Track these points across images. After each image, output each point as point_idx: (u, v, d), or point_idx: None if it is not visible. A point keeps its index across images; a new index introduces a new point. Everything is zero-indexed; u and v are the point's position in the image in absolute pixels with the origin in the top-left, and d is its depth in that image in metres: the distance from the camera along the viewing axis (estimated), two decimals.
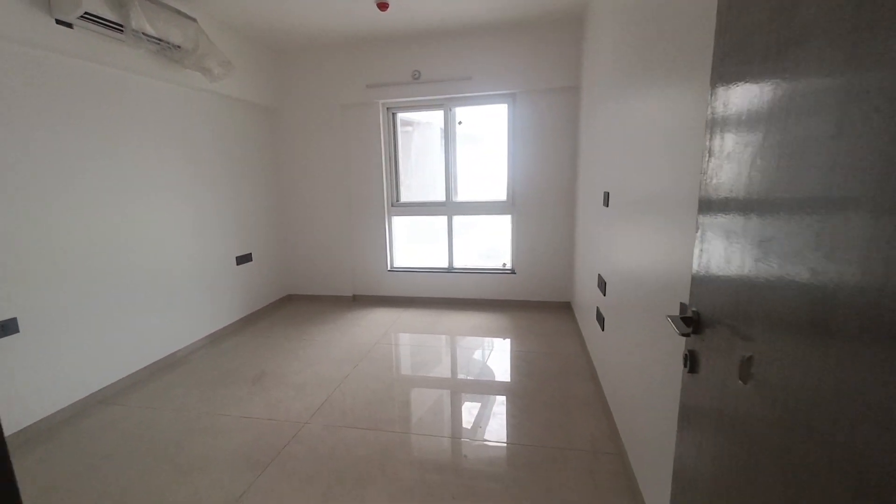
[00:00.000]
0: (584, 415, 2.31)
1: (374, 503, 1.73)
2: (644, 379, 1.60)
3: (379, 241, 4.38)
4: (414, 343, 3.46)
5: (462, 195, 4.28)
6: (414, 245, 4.68)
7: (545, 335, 3.45)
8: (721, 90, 0.84)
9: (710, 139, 0.87)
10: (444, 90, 3.92)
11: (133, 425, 2.35)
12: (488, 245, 4.48)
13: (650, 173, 1.60)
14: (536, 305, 4.12)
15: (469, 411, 2.43)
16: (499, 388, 2.68)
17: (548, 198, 3.97)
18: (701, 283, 0.89)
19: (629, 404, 1.86)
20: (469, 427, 2.27)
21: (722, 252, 0.79)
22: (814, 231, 0.54)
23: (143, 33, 2.50)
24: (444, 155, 4.20)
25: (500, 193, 4.19)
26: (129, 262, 2.79)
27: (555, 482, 1.82)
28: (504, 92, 3.89)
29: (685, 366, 0.92)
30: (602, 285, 2.48)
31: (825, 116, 0.53)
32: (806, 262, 0.55)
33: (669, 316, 0.90)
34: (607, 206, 2.39)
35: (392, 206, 4.40)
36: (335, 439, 2.17)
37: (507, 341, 3.39)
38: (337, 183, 4.34)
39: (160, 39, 2.63)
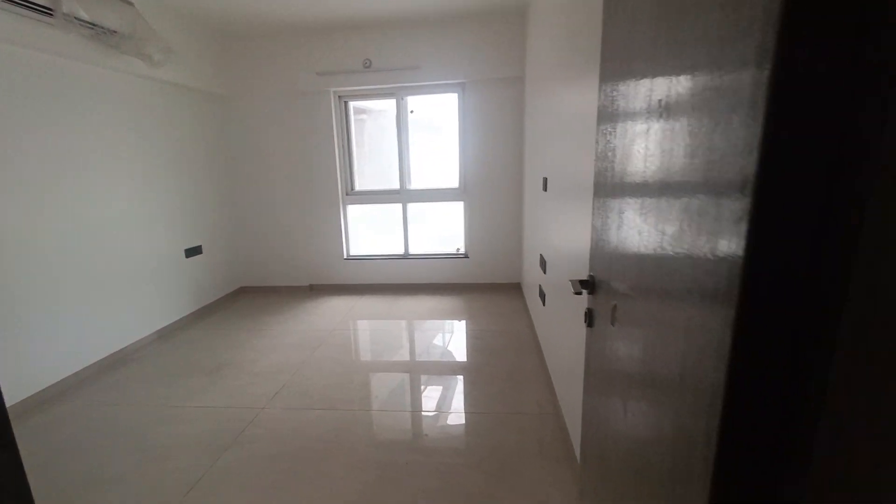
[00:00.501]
0: (531, 384, 2.52)
1: (333, 476, 1.85)
2: (570, 344, 1.81)
3: (334, 230, 4.41)
4: (372, 328, 3.56)
5: (416, 183, 4.38)
6: (373, 233, 4.75)
7: (497, 315, 3.65)
8: (605, 88, 1.00)
9: (599, 130, 1.03)
10: (394, 79, 3.98)
11: (89, 420, 2.33)
12: (446, 231, 4.63)
13: (573, 160, 1.78)
14: (489, 287, 4.33)
15: (426, 388, 2.58)
16: (455, 365, 2.85)
17: (497, 184, 4.15)
18: (594, 253, 1.06)
19: (562, 369, 2.07)
20: (426, 401, 2.43)
21: (601, 226, 0.96)
22: (648, 207, 0.70)
23: (76, 17, 2.40)
24: (397, 143, 4.27)
25: (452, 181, 4.33)
26: (69, 256, 2.69)
27: (506, 443, 2.01)
28: (453, 81, 4.00)
29: (586, 322, 1.10)
30: (543, 264, 2.69)
31: (645, 118, 0.69)
32: (640, 232, 0.72)
33: (571, 280, 1.07)
34: (546, 190, 2.58)
35: (347, 194, 4.43)
36: (294, 420, 2.25)
37: (463, 322, 3.56)
38: (291, 172, 4.31)
39: (94, 24, 2.53)
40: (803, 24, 0.35)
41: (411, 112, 4.25)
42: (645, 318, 0.72)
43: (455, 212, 4.42)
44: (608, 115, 0.98)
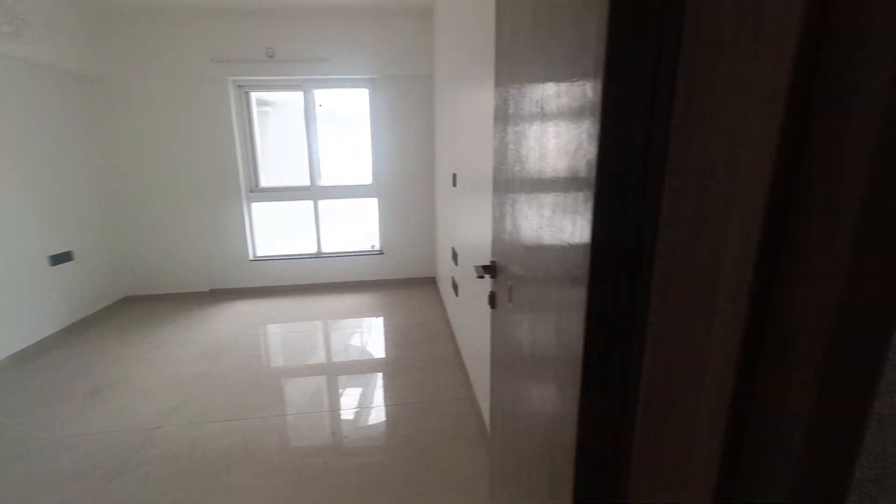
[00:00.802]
0: (447, 371, 2.63)
1: (243, 486, 1.75)
2: (480, 329, 1.93)
3: (238, 229, 4.10)
4: (284, 332, 3.40)
5: (328, 179, 4.26)
6: (283, 232, 4.51)
7: (413, 308, 3.72)
8: (499, 90, 1.10)
9: (495, 129, 1.13)
10: (301, 71, 3.82)
11: None
12: (360, 228, 4.56)
13: (477, 157, 1.90)
14: (404, 282, 4.38)
15: (345, 388, 2.54)
16: (373, 362, 2.84)
17: (410, 181, 4.21)
18: (495, 241, 1.16)
19: (475, 354, 2.20)
20: (345, 401, 2.40)
21: (499, 216, 1.06)
22: (531, 200, 0.80)
23: None
24: (306, 138, 4.10)
25: (365, 177, 4.29)
26: None
27: (425, 430, 2.07)
28: (363, 77, 3.95)
29: (490, 304, 1.20)
30: (455, 257, 2.81)
31: (529, 120, 0.79)
32: (527, 220, 0.82)
33: (475, 266, 1.16)
34: (455, 186, 2.69)
35: (251, 191, 4.15)
36: (197, 436, 2.08)
37: (380, 318, 3.56)
38: (185, 167, 3.91)
39: None
40: (620, 48, 0.45)
41: (319, 106, 4.11)
42: (533, 297, 0.83)
43: (369, 208, 4.38)
44: (502, 116, 1.08)
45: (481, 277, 1.12)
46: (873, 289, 0.26)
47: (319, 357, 2.94)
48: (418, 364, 2.73)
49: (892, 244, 0.25)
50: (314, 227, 4.28)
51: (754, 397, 0.34)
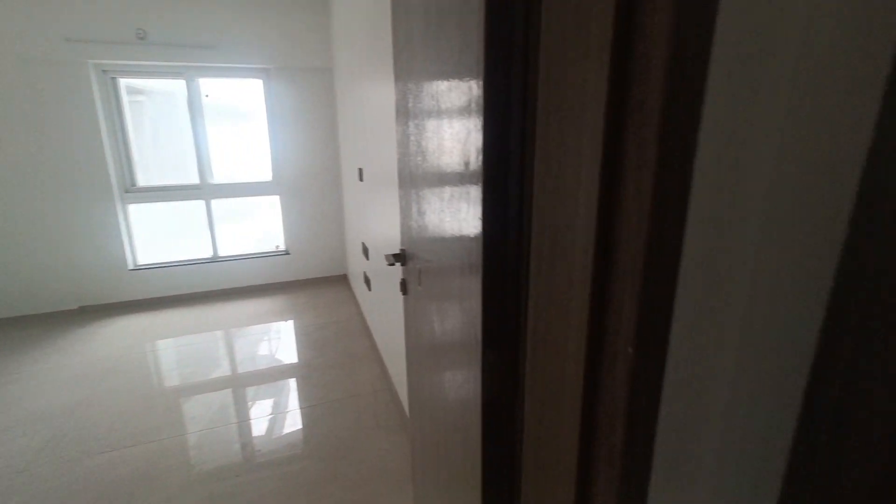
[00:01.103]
0: (364, 367, 2.62)
1: None
2: (395, 321, 1.97)
3: (111, 236, 3.58)
4: (179, 346, 3.07)
5: (222, 176, 3.92)
6: (171, 237, 4.03)
7: (324, 308, 3.62)
8: (399, 86, 1.14)
9: (397, 124, 1.18)
10: (181, 56, 3.44)
11: None
12: (264, 228, 4.29)
13: (383, 151, 1.93)
14: (314, 282, 4.23)
15: (254, 397, 2.40)
16: (284, 367, 2.72)
17: (314, 176, 4.06)
18: (404, 230, 1.21)
19: (391, 344, 2.23)
20: (256, 411, 2.26)
21: (405, 207, 1.12)
22: (433, 193, 0.87)
23: None
24: (192, 131, 3.72)
25: (265, 173, 4.03)
26: None
27: (344, 426, 2.06)
28: (257, 66, 3.70)
29: (402, 290, 1.25)
30: (366, 252, 2.80)
31: (426, 115, 0.85)
32: (431, 211, 0.88)
33: (385, 254, 1.20)
34: (362, 180, 2.68)
35: (127, 191, 3.65)
36: (78, 471, 1.81)
37: (290, 321, 3.40)
38: (40, 164, 3.29)
39: None
40: (497, 49, 0.53)
41: (206, 96, 3.75)
42: (438, 283, 0.89)
43: (271, 206, 4.14)
44: (403, 110, 1.13)
45: (392, 265, 1.16)
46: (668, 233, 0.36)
47: (223, 369, 2.73)
48: (333, 363, 2.68)
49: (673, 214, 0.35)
50: (208, 228, 3.91)
51: (605, 336, 0.43)
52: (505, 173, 0.56)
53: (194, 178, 3.81)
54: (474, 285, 0.64)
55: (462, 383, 0.76)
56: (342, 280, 4.29)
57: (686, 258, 0.38)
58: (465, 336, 0.72)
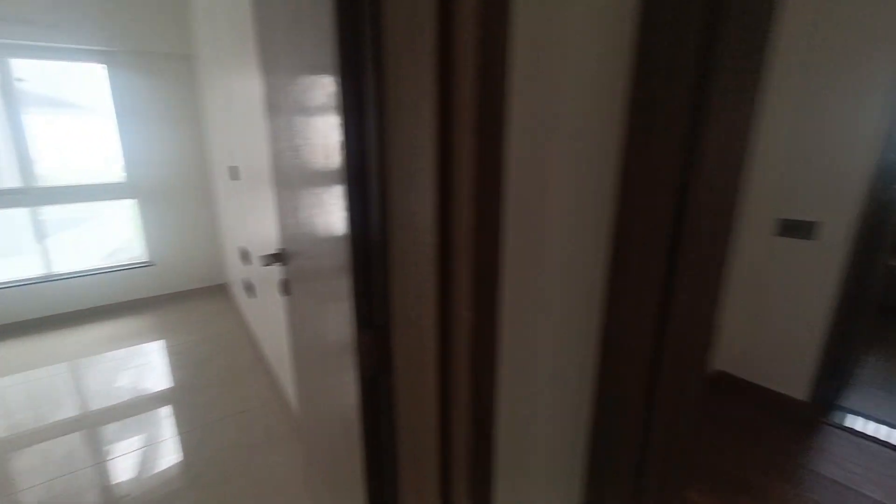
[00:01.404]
0: (250, 380, 2.44)
1: None
2: (282, 327, 1.89)
3: None
4: (2, 388, 2.49)
5: (55, 178, 3.26)
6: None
7: (200, 322, 3.27)
8: (267, 80, 1.10)
9: (268, 120, 1.13)
10: None
11: None
12: (119, 237, 3.68)
13: (259, 148, 1.82)
14: (186, 295, 3.79)
15: (119, 433, 2.07)
16: (154, 394, 2.39)
17: (180, 176, 3.62)
18: (282, 230, 1.18)
19: (279, 354, 2.12)
20: (121, 446, 1.95)
21: (282, 206, 1.09)
22: (305, 191, 0.87)
23: None
24: (7, 123, 3.02)
25: (115, 174, 3.47)
26: None
27: (231, 445, 1.90)
28: (94, 48, 3.15)
29: (283, 291, 1.21)
30: (247, 256, 2.61)
31: (293, 112, 0.85)
32: (305, 210, 0.88)
33: (261, 255, 1.15)
34: (238, 180, 2.48)
35: None
36: None
37: (159, 342, 2.99)
38: None
39: None
40: (348, 51, 0.56)
41: (19, 81, 3.08)
42: (315, 279, 0.90)
43: (126, 212, 3.58)
44: (272, 106, 1.09)
45: (269, 265, 1.12)
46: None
47: (69, 409, 2.29)
48: (214, 381, 2.45)
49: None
50: (36, 241, 3.23)
51: (451, 307, 0.50)
52: (363, 168, 0.60)
53: (14, 181, 3.11)
54: (345, 275, 0.67)
55: (340, 370, 0.78)
56: (220, 290, 3.91)
57: (506, 234, 0.47)
58: (339, 325, 0.74)
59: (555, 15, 0.44)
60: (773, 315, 2.09)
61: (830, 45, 1.76)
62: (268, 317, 2.32)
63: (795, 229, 1.95)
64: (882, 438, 1.87)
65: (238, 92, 2.05)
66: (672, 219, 0.46)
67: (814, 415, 2.02)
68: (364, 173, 0.60)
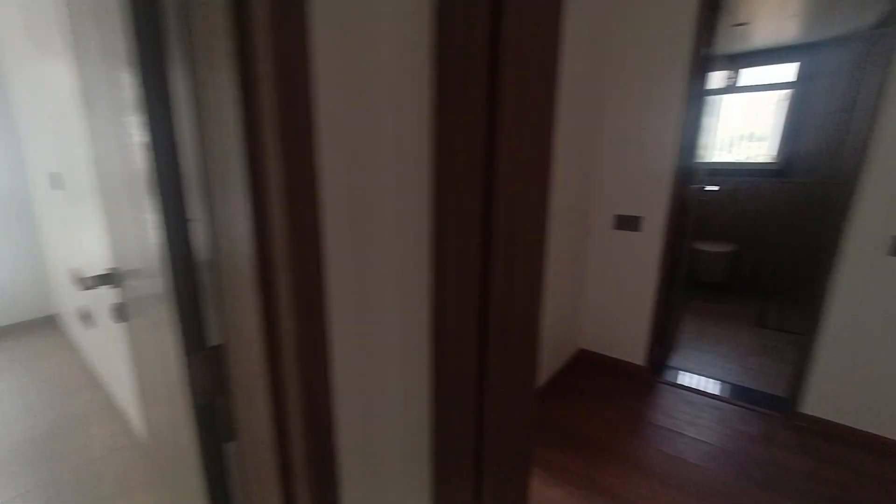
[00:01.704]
0: (94, 426, 2.06)
1: None
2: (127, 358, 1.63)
3: None
4: None
5: None
6: None
7: (20, 364, 2.65)
8: (82, 73, 0.94)
9: (88, 119, 0.97)
10: None
11: None
12: None
13: (85, 152, 1.54)
14: (6, 331, 3.04)
15: None
16: None
17: None
18: (115, 245, 1.02)
19: (131, 389, 1.83)
20: None
21: (113, 219, 0.95)
22: (132, 203, 0.77)
23: None
24: None
25: None
26: None
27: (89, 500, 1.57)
28: None
29: (117, 318, 1.05)
30: (82, 280, 2.19)
31: (120, 110, 0.74)
32: (134, 225, 0.78)
33: (80, 278, 0.98)
34: (63, 189, 2.08)
35: None
36: None
37: None
38: None
39: None
40: (146, 46, 0.52)
41: None
42: (146, 301, 0.80)
43: None
44: (88, 102, 0.94)
45: (91, 288, 0.96)
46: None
47: None
48: (44, 433, 2.01)
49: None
50: None
51: (277, 320, 0.49)
52: (177, 176, 0.56)
53: None
54: (170, 295, 0.61)
55: (179, 399, 0.71)
56: (48, 323, 3.21)
57: (328, 239, 0.48)
58: (173, 349, 0.67)
59: (358, 15, 0.46)
60: (618, 295, 2.47)
61: (641, 65, 2.15)
62: (113, 348, 1.98)
63: (627, 223, 2.32)
64: (699, 388, 2.33)
65: (57, 82, 1.72)
66: (480, 213, 0.52)
67: (651, 376, 2.44)
68: (179, 181, 0.56)
